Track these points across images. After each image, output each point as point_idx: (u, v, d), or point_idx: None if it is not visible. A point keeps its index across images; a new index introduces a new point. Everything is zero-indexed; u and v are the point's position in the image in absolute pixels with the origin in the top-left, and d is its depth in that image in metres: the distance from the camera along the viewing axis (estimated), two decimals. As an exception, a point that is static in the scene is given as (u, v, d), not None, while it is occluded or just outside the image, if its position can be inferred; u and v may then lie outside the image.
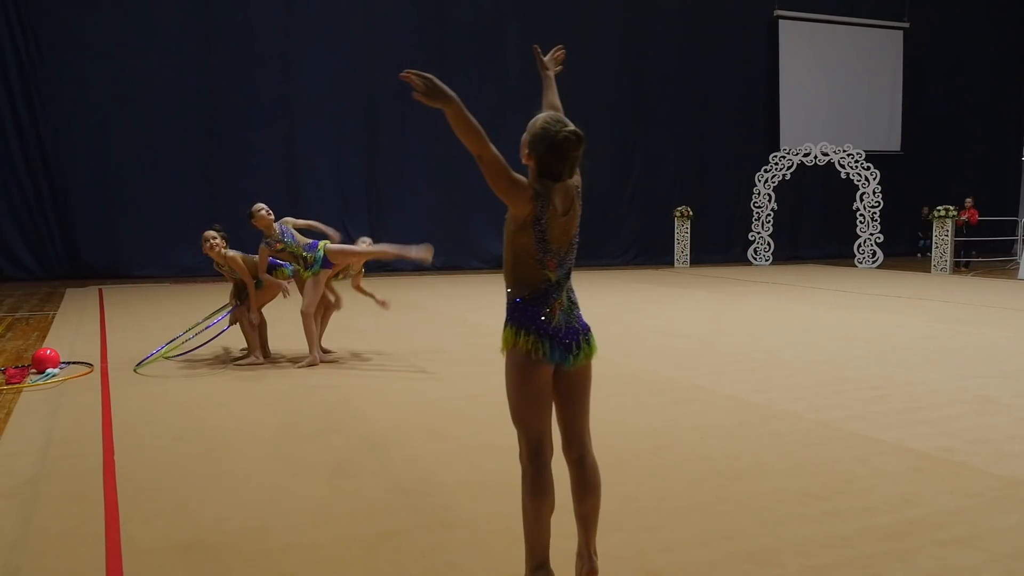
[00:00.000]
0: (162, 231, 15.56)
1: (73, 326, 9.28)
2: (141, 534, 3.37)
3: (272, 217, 7.06)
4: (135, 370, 6.75)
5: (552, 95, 3.12)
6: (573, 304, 2.80)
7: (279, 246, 7.04)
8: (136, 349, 7.68)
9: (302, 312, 7.02)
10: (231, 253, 7.15)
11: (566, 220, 2.70)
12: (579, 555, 2.85)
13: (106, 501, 3.73)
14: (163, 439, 4.76)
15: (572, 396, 2.81)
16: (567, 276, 2.77)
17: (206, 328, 7.54)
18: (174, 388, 6.15)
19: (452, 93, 2.49)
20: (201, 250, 7.19)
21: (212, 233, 7.13)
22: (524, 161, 2.73)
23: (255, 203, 7.08)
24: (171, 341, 7.35)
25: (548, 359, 2.68)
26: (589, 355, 2.79)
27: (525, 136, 2.70)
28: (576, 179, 2.76)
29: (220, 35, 15.96)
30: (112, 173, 15.35)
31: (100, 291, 13.11)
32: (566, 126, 2.65)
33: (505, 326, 2.75)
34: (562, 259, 2.73)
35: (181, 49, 15.67)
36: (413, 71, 2.52)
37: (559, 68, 3.22)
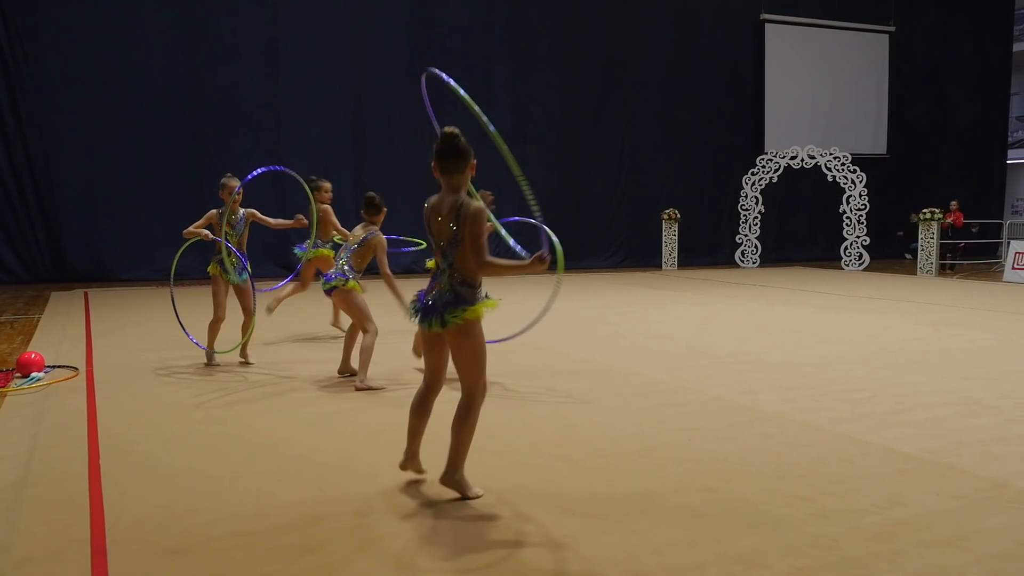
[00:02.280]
0: (148, 234, 15.47)
1: (58, 330, 9.22)
2: (127, 539, 3.35)
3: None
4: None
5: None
6: (452, 291, 3.68)
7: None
8: (122, 353, 7.63)
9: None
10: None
11: (441, 222, 3.67)
12: (412, 455, 4.03)
13: (91, 505, 3.71)
14: (149, 443, 4.73)
15: (451, 350, 3.83)
16: (450, 267, 3.69)
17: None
18: (160, 392, 6.12)
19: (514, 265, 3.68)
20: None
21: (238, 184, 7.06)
22: (436, 175, 3.74)
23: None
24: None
25: (415, 320, 3.84)
26: (439, 328, 3.69)
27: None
28: (464, 202, 3.63)
29: (207, 37, 15.91)
30: (98, 176, 15.27)
31: (86, 294, 13.03)
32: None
33: None
34: (444, 253, 3.71)
35: (167, 51, 15.62)
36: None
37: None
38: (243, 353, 7.21)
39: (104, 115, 15.20)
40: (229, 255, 6.90)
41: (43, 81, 14.87)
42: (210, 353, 7.14)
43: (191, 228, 7.03)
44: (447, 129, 3.67)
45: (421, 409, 3.97)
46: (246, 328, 7.15)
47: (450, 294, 3.67)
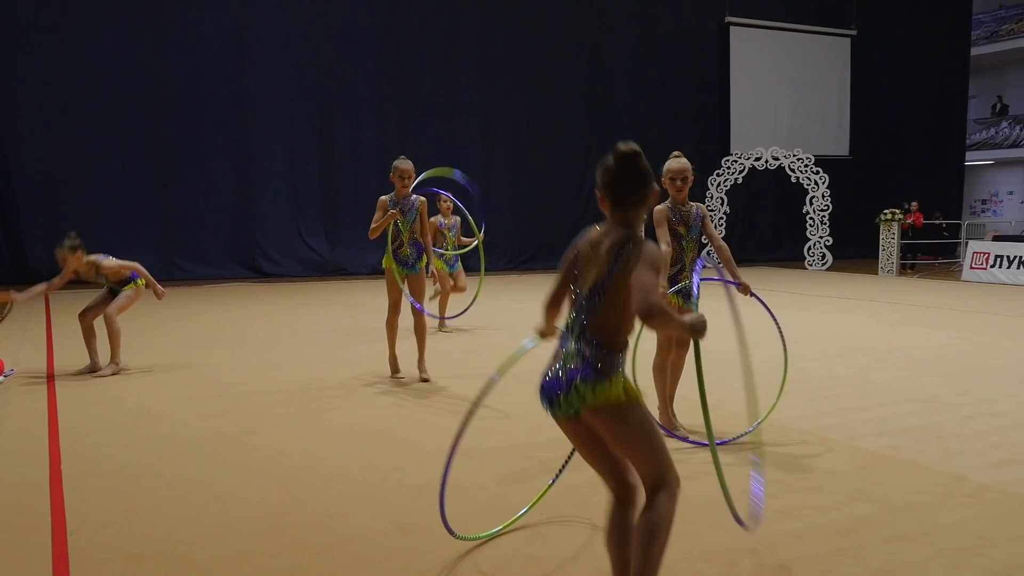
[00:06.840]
0: (111, 235, 15.17)
1: (18, 332, 9.06)
2: (90, 544, 3.30)
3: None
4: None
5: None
6: (577, 354, 2.56)
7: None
8: (84, 356, 7.52)
9: None
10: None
11: (588, 266, 2.70)
12: None
13: (53, 511, 3.65)
14: (112, 447, 4.67)
15: (601, 437, 2.66)
16: (580, 325, 2.62)
17: None
18: (122, 396, 6.03)
19: (682, 322, 2.51)
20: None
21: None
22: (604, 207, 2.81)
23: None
24: None
25: (545, 408, 2.63)
26: (574, 405, 2.53)
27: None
28: (622, 235, 2.70)
29: (170, 35, 15.70)
30: (59, 175, 15.01)
31: (46, 296, 12.79)
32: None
33: None
34: (580, 304, 2.66)
35: (129, 48, 15.38)
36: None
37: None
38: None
39: (65, 113, 14.94)
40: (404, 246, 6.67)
41: (2, 79, 14.59)
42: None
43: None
44: (624, 147, 2.70)
45: (618, 535, 2.74)
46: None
47: (575, 360, 2.56)
